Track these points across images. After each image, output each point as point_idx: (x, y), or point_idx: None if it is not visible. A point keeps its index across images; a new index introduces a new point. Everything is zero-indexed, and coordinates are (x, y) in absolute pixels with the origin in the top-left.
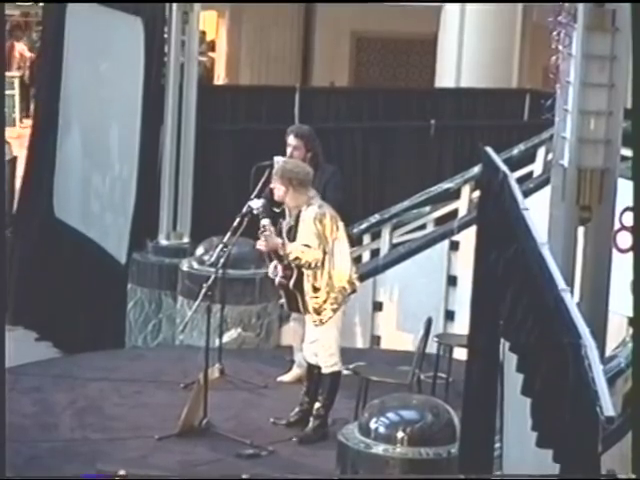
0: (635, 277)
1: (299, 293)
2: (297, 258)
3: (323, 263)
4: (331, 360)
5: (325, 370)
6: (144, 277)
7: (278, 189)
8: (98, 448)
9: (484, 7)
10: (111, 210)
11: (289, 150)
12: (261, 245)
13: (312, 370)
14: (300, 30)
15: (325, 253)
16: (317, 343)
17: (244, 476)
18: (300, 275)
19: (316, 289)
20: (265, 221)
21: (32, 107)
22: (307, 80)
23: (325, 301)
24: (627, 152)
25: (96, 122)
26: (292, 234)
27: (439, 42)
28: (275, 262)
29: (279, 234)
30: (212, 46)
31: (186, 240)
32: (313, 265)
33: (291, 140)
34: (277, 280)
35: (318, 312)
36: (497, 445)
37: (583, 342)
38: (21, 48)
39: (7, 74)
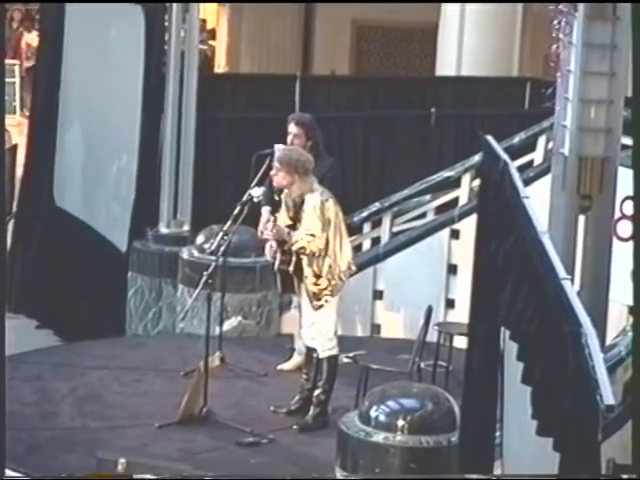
0: (635, 266)
1: (297, 278)
2: (302, 247)
3: (326, 250)
4: (329, 344)
5: (322, 354)
6: (144, 265)
7: (283, 178)
8: (98, 436)
9: None
10: (112, 198)
11: (290, 138)
12: (268, 235)
13: (312, 355)
14: (301, 18)
15: (328, 240)
16: (315, 326)
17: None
18: (298, 259)
19: (318, 276)
20: (266, 209)
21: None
22: (308, 69)
23: (326, 287)
24: (628, 141)
25: (96, 111)
26: (294, 222)
27: (440, 31)
28: (271, 242)
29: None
30: (213, 35)
31: (186, 228)
32: (317, 254)
33: (292, 128)
34: (276, 265)
35: (318, 297)
36: (497, 433)
37: (583, 331)
38: (30, 38)
39: (8, 62)
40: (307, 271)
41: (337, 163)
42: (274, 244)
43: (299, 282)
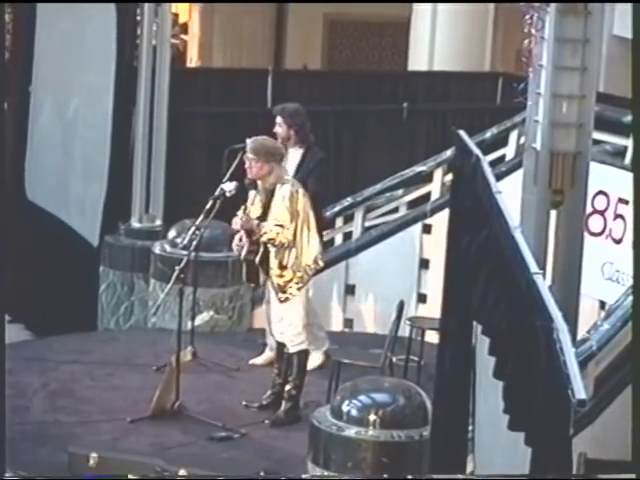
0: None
1: (263, 269)
2: (272, 239)
3: (293, 242)
4: (298, 339)
5: (292, 349)
6: (116, 260)
7: (261, 168)
8: (70, 431)
9: None
10: (83, 192)
11: (275, 128)
12: (236, 224)
13: (283, 350)
14: (273, 13)
15: (295, 231)
16: (283, 321)
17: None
18: (266, 251)
19: (283, 267)
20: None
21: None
22: (280, 63)
23: (291, 280)
24: (599, 136)
25: (68, 105)
26: (264, 213)
27: (412, 25)
28: (240, 234)
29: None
30: (185, 29)
31: (158, 223)
32: (285, 245)
33: (277, 119)
34: (243, 254)
35: (284, 290)
36: (469, 428)
37: (555, 325)
38: None
39: None
40: (273, 262)
41: (324, 160)
42: (243, 235)
43: (265, 274)
